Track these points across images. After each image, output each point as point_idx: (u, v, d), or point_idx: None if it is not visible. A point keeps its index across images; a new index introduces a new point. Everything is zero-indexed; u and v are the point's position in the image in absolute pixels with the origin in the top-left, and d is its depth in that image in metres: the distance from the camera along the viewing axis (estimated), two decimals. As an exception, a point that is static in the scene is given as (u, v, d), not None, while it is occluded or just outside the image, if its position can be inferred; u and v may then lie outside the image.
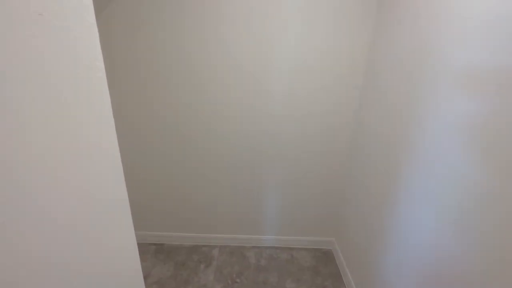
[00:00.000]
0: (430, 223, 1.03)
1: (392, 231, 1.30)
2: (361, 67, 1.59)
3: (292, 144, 1.78)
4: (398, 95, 1.28)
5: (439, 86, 0.99)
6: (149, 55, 1.56)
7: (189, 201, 1.98)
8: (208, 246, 2.10)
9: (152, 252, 2.04)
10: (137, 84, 1.63)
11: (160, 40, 1.53)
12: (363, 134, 1.64)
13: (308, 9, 1.47)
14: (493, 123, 0.77)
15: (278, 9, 1.47)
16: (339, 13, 1.48)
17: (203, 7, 1.47)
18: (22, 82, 0.36)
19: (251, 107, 1.68)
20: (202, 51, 1.55)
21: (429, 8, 1.09)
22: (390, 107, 1.35)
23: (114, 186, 0.62)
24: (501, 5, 0.75)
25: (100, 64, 0.52)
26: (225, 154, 1.82)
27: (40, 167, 0.40)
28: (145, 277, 1.83)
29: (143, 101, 1.67)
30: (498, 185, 0.75)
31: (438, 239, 0.98)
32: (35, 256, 0.41)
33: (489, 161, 0.78)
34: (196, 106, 1.69)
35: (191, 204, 1.99)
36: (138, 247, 2.09)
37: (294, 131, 1.74)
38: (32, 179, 0.39)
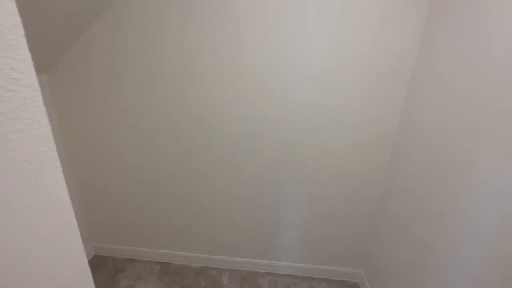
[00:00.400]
0: (480, 263, 0.76)
1: (435, 268, 1.05)
2: (406, 72, 1.30)
3: (318, 159, 1.52)
4: (455, 111, 0.99)
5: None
6: (154, 55, 1.38)
7: (199, 218, 1.78)
8: (217, 269, 1.89)
9: (157, 273, 1.86)
10: (142, 85, 1.46)
11: (165, 39, 1.34)
12: (406, 149, 1.35)
13: (342, 6, 1.21)
14: None
15: (304, 7, 1.23)
16: (380, 8, 1.21)
17: (212, 5, 1.26)
18: None
19: (268, 116, 1.45)
20: (210, 52, 1.34)
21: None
22: (443, 119, 1.06)
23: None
24: None
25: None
26: (240, 168, 1.60)
27: None
28: (147, 303, 1.66)
29: (149, 104, 1.50)
30: None
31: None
32: None
33: None
34: (204, 112, 1.48)
35: (201, 221, 1.79)
36: (143, 265, 1.91)
37: (321, 144, 1.48)
38: None
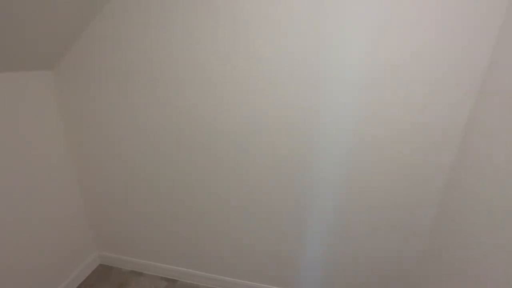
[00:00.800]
0: None
1: None
2: (476, 72, 1.01)
3: (357, 175, 1.26)
4: None
5: None
6: (155, 52, 1.23)
7: (211, 235, 1.58)
8: (228, 293, 1.67)
9: (162, 290, 1.69)
10: (148, 84, 1.31)
11: (168, 38, 1.19)
12: (478, 154, 1.06)
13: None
14: None
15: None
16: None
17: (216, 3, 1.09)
18: None
19: (292, 124, 1.23)
20: (214, 51, 1.17)
21: None
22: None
23: None
24: None
25: None
26: (258, 186, 1.39)
27: None
28: (148, 326, 1.48)
29: (158, 104, 1.35)
30: None
31: None
32: None
33: None
34: (218, 116, 1.30)
35: (213, 239, 1.59)
36: (148, 279, 1.74)
37: (361, 159, 1.23)
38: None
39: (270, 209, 1.43)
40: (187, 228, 1.61)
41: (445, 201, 1.20)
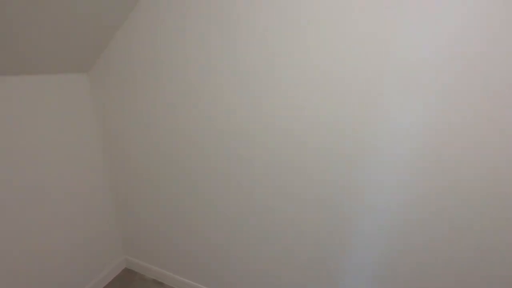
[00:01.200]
0: None
1: None
2: None
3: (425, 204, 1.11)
4: None
5: None
6: (170, 67, 1.20)
7: (240, 260, 1.51)
8: (248, 322, 1.57)
9: (182, 306, 1.63)
10: (181, 86, 1.29)
11: (182, 50, 1.15)
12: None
13: None
14: None
15: None
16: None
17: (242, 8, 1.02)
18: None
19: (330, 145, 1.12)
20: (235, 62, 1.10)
21: None
22: None
23: None
24: None
25: None
26: (290, 219, 1.29)
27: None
28: None
29: (195, 105, 1.31)
30: None
31: None
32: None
33: None
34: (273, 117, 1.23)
35: (242, 264, 1.52)
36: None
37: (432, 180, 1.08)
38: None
39: (299, 242, 1.32)
40: (210, 247, 1.55)
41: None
